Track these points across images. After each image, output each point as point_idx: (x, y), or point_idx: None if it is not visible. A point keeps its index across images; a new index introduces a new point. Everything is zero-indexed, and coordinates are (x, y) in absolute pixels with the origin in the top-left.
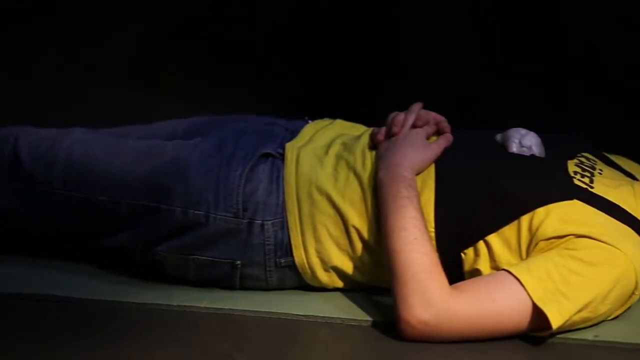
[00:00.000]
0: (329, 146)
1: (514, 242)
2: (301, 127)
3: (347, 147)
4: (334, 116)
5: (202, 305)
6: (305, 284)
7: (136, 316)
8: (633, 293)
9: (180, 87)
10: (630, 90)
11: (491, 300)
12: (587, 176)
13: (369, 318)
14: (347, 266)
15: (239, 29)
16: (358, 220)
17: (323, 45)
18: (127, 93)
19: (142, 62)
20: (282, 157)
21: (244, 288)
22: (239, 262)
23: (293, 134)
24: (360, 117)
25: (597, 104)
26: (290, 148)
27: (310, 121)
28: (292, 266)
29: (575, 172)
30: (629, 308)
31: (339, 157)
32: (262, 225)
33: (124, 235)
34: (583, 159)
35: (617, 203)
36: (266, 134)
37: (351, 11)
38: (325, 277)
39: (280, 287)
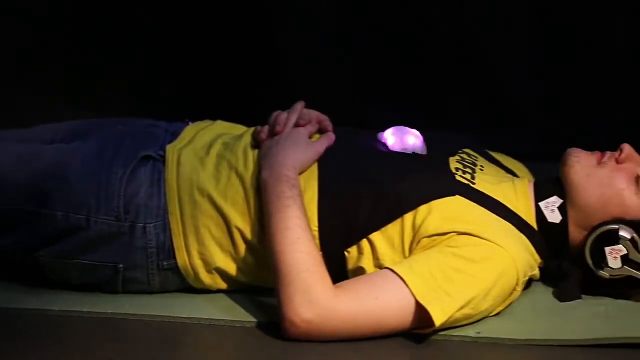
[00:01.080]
0: (210, 146)
1: (397, 240)
2: (182, 129)
3: (229, 147)
4: (214, 118)
5: (85, 310)
6: (189, 286)
7: (18, 322)
8: (514, 289)
9: (59, 90)
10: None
11: (374, 299)
12: (469, 172)
13: (253, 319)
14: (231, 267)
15: (114, 29)
16: (241, 221)
17: (201, 47)
18: (4, 96)
19: (18, 63)
20: (163, 159)
21: (127, 292)
22: (121, 265)
23: (174, 135)
24: (240, 119)
25: (474, 102)
26: (171, 150)
27: (190, 123)
28: (175, 269)
29: (457, 169)
30: (510, 304)
31: (220, 158)
32: (144, 228)
33: (5, 241)
34: (465, 156)
35: (498, 199)
36: (147, 137)
37: (227, 12)
38: (209, 279)
39: (163, 290)
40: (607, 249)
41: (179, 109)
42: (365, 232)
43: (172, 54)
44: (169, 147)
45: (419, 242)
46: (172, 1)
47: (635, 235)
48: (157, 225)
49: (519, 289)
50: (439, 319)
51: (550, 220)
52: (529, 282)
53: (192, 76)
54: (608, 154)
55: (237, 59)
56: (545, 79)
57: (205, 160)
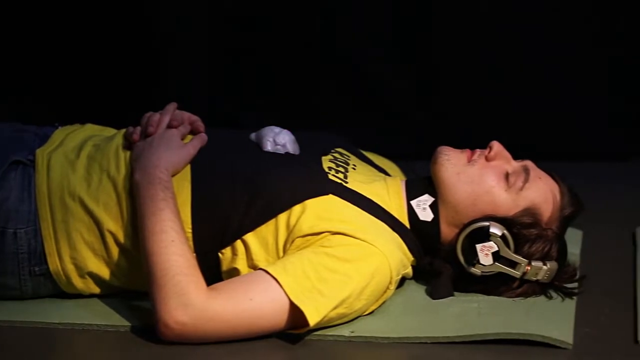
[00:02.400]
0: (80, 148)
1: (271, 240)
2: (51, 132)
3: (100, 148)
4: (84, 122)
5: None
6: (61, 292)
7: None
8: (388, 288)
9: None
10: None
11: (248, 300)
12: (342, 171)
13: (127, 323)
14: (104, 271)
15: None
16: (113, 224)
17: (71, 51)
18: None
19: None
20: (33, 163)
21: None
22: None
23: (43, 139)
24: (110, 123)
25: (346, 103)
26: (41, 154)
27: (60, 127)
28: (47, 274)
29: (330, 168)
30: (384, 303)
31: (91, 160)
32: (15, 233)
33: None
34: (337, 155)
35: (370, 198)
36: (15, 141)
37: (99, 13)
38: (81, 284)
39: (36, 296)
40: (478, 246)
41: (48, 113)
42: (239, 233)
43: (41, 57)
44: (38, 152)
45: (293, 241)
46: (41, 3)
47: (505, 231)
48: (28, 230)
49: (392, 287)
50: (313, 319)
51: (421, 218)
52: (402, 280)
53: (60, 79)
54: (478, 151)
55: (107, 62)
56: (418, 79)
57: (75, 162)
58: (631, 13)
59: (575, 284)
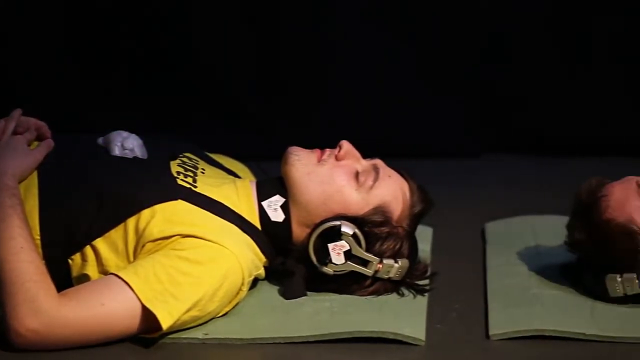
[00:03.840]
0: None
1: (121, 245)
2: None
3: None
4: None
5: None
6: None
7: None
8: (240, 289)
9: None
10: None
11: (100, 305)
12: (190, 176)
13: None
14: None
15: None
16: None
17: None
18: None
19: None
20: None
21: None
22: None
23: None
24: None
25: (193, 106)
26: None
27: None
28: None
29: (179, 172)
30: (237, 304)
31: None
32: None
33: None
34: (185, 159)
35: (220, 201)
36: None
37: None
38: None
39: None
40: (330, 245)
41: None
42: (88, 238)
43: None
44: None
45: (144, 246)
46: None
47: (356, 230)
48: None
49: (245, 288)
50: (166, 322)
51: (273, 219)
52: (255, 281)
53: None
54: (327, 151)
55: None
56: (266, 79)
57: None
58: (489, 15)
59: (427, 281)
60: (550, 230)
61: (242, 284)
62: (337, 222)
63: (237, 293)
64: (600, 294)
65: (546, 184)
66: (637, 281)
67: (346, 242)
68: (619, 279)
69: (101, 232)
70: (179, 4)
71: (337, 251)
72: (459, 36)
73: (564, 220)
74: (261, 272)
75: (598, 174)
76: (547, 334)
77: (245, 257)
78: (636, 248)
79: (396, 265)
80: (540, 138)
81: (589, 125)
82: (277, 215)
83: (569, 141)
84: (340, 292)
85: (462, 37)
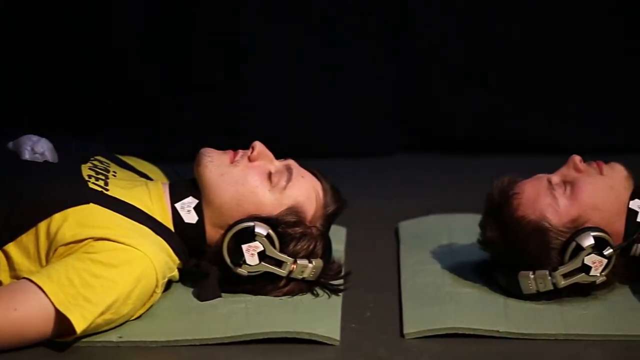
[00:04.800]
0: None
1: (32, 249)
2: None
3: None
4: None
5: None
6: None
7: None
8: (154, 291)
9: None
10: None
11: (13, 310)
12: (102, 179)
13: None
14: None
15: None
16: None
17: None
18: None
19: None
20: None
21: None
22: None
23: None
24: None
25: (104, 108)
26: None
27: None
28: None
29: (90, 176)
30: (151, 306)
31: None
32: None
33: None
34: (97, 162)
35: (132, 203)
36: None
37: None
38: None
39: None
40: (244, 246)
41: None
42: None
43: None
44: None
45: (56, 250)
46: None
47: (270, 231)
48: None
49: (159, 290)
50: (80, 326)
51: (186, 220)
52: (169, 283)
53: None
54: (240, 152)
55: None
56: (177, 80)
57: None
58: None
59: (341, 281)
60: (463, 228)
61: (156, 286)
62: (251, 223)
63: (151, 295)
64: (513, 291)
65: (459, 182)
66: (549, 278)
67: (260, 243)
68: (532, 276)
69: (12, 236)
70: (89, 3)
71: (251, 252)
72: (372, 35)
73: (477, 218)
74: (175, 274)
75: (510, 172)
76: (461, 332)
77: (158, 259)
78: (548, 245)
79: (310, 265)
80: (452, 137)
81: (501, 123)
82: (191, 217)
83: (481, 140)
84: (255, 293)
85: (375, 36)
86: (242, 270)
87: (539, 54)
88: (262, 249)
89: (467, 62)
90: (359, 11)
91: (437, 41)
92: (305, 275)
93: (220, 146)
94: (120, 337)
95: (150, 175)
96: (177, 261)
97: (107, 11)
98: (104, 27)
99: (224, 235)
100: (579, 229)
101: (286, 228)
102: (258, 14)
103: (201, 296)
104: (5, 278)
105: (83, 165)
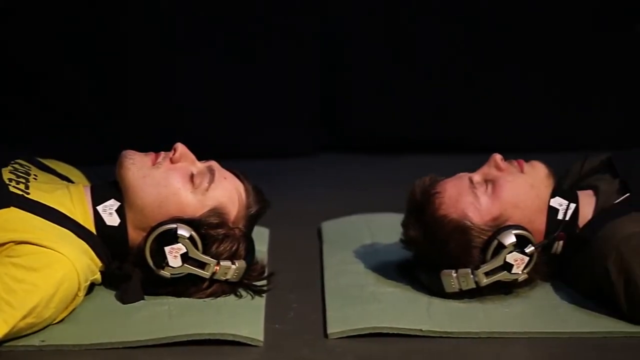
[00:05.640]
0: None
1: None
2: None
3: None
4: None
5: None
6: None
7: None
8: (77, 295)
9: None
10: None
11: None
12: (23, 182)
13: None
14: None
15: None
16: None
17: None
18: None
19: None
20: None
21: None
22: None
23: None
24: None
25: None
26: None
27: None
28: None
29: (10, 179)
30: (74, 310)
31: None
32: None
33: None
34: (17, 166)
35: (54, 207)
36: None
37: None
38: None
39: None
40: (167, 248)
41: None
42: None
43: None
44: None
45: None
46: None
47: (193, 233)
48: None
49: (81, 294)
50: (1, 330)
51: (108, 223)
52: (92, 287)
53: None
54: (162, 154)
55: None
56: (97, 81)
57: None
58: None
59: (264, 282)
60: (386, 228)
61: (79, 289)
62: (173, 225)
63: (74, 299)
64: (436, 290)
65: (381, 182)
66: (471, 276)
67: (183, 244)
68: (454, 275)
69: None
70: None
71: (173, 254)
72: (295, 36)
73: (399, 217)
74: (97, 277)
75: (432, 171)
76: (384, 331)
77: (80, 262)
78: (470, 243)
79: (233, 266)
80: (374, 137)
81: (422, 123)
82: (113, 220)
83: (403, 139)
84: (178, 295)
85: (297, 37)
86: (165, 273)
87: (459, 54)
88: (185, 250)
89: (388, 62)
90: (283, 12)
91: (358, 42)
92: (228, 276)
93: (143, 148)
94: (43, 341)
95: (72, 178)
96: (100, 264)
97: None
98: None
99: (146, 238)
100: (500, 227)
101: (209, 230)
102: (183, 15)
103: (124, 299)
104: None
105: (3, 169)
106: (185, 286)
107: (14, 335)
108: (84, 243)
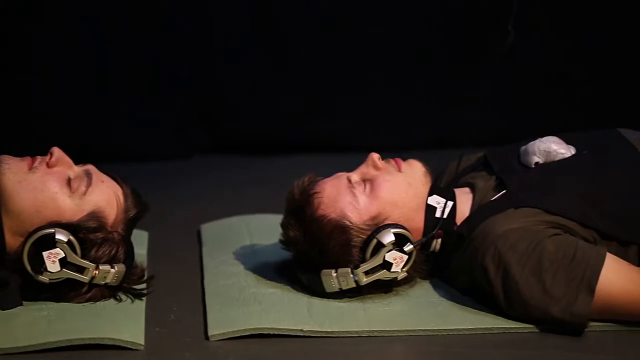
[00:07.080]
0: None
1: None
2: None
3: None
4: None
5: None
6: None
7: None
8: None
9: None
10: None
11: None
12: None
13: None
14: None
15: None
16: None
17: None
18: None
19: None
20: None
21: None
22: None
23: None
24: None
25: None
26: None
27: None
28: None
29: None
30: None
31: None
32: None
33: None
34: None
35: None
36: None
37: None
38: None
39: None
40: (45, 253)
41: None
42: None
43: None
44: None
45: None
46: None
47: (71, 237)
48: None
49: None
50: None
51: None
52: None
53: None
54: (38, 158)
55: None
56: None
57: None
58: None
59: (144, 285)
60: (265, 229)
61: None
62: (51, 230)
63: None
64: (316, 290)
65: (258, 183)
66: (351, 276)
67: (61, 249)
68: (334, 274)
69: None
70: None
71: (52, 259)
72: (168, 37)
73: (278, 218)
74: None
75: (310, 171)
76: (265, 332)
77: None
78: (349, 243)
79: (112, 270)
80: (249, 138)
81: (299, 124)
82: None
83: (279, 140)
84: (57, 300)
85: (171, 37)
86: (44, 278)
87: (341, 54)
88: (64, 255)
89: (265, 62)
90: (159, 12)
91: (234, 42)
92: (107, 280)
93: (19, 154)
94: None
95: None
96: None
97: None
98: None
99: (23, 243)
100: (379, 226)
101: (87, 234)
102: (50, 18)
103: (2, 305)
104: None
105: None
106: (64, 291)
107: None
108: None
